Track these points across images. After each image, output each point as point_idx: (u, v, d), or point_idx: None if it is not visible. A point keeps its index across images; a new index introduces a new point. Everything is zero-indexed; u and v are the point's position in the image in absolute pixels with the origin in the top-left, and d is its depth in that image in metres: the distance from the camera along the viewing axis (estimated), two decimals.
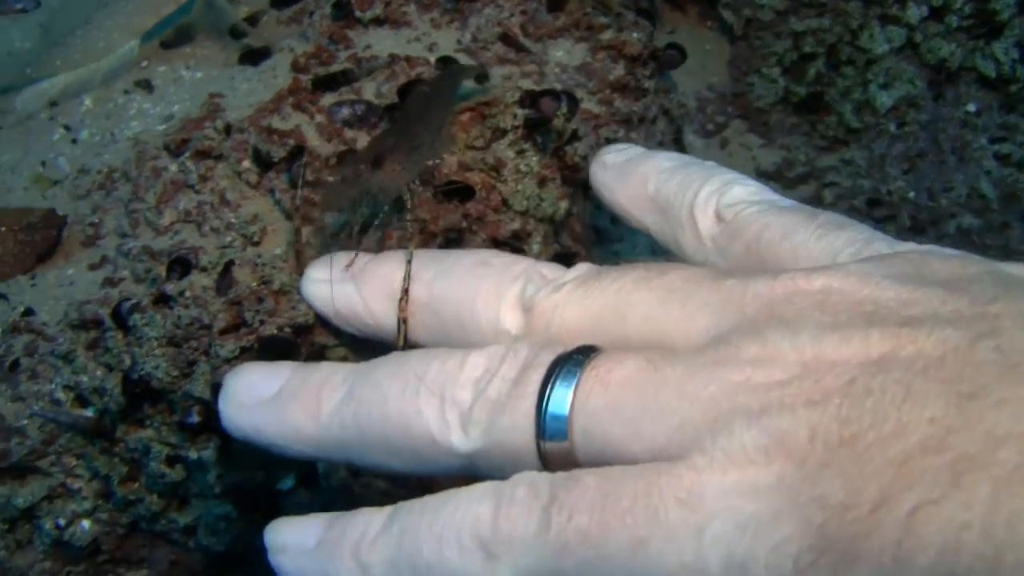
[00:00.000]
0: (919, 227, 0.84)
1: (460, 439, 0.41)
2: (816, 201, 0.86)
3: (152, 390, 0.56)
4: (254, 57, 0.70)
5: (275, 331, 0.55)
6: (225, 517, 0.60)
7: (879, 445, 0.33)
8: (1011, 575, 0.30)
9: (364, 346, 0.54)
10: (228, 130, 0.62)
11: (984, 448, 0.32)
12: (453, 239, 0.59)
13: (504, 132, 0.61)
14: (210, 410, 0.55)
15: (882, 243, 0.45)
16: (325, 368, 0.46)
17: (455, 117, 0.61)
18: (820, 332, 0.37)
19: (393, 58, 0.66)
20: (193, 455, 0.57)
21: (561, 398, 0.39)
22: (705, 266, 0.50)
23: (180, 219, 0.60)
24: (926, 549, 0.32)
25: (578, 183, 0.67)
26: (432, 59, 0.67)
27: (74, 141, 0.69)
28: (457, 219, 0.59)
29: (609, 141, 0.69)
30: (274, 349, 0.55)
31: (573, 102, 0.65)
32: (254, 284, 0.56)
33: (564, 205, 0.62)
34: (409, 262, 0.50)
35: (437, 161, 0.58)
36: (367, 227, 0.54)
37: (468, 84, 0.65)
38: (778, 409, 0.35)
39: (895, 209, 0.84)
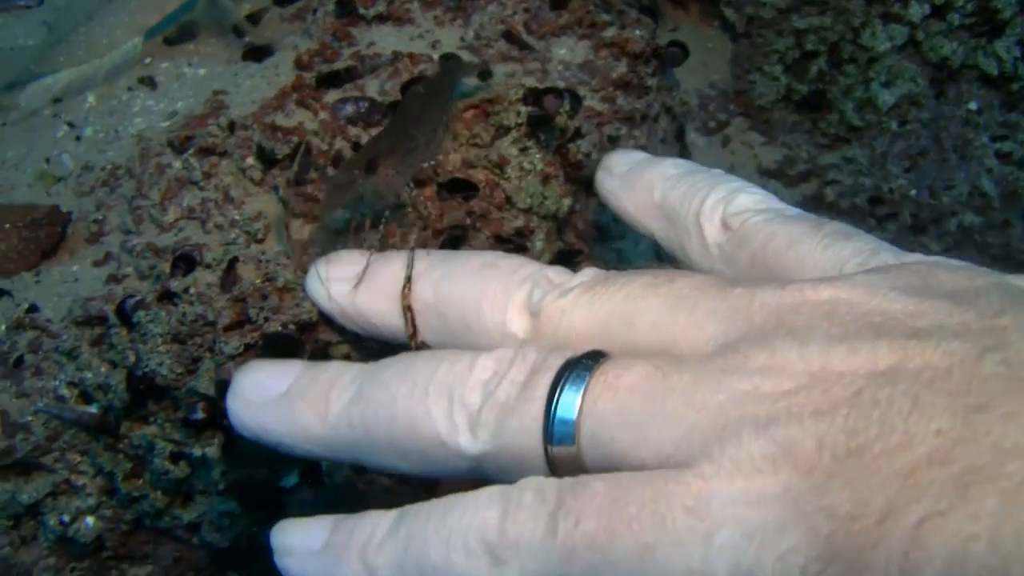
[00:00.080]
0: (920, 225, 0.84)
1: (468, 441, 0.41)
2: (818, 199, 0.86)
3: (156, 387, 0.56)
4: (257, 54, 0.70)
5: (279, 328, 0.55)
6: (229, 514, 0.60)
7: (886, 456, 0.33)
8: None
9: (368, 343, 0.54)
10: (232, 127, 0.62)
11: (991, 461, 0.32)
12: (457, 236, 0.59)
13: (508, 129, 0.61)
14: (214, 407, 0.56)
15: (888, 253, 0.45)
16: (333, 368, 0.46)
17: (452, 116, 0.61)
18: (828, 343, 0.37)
19: (396, 55, 0.67)
20: (197, 452, 0.57)
21: (570, 403, 0.39)
22: (711, 274, 0.50)
23: (184, 216, 0.60)
24: (933, 560, 0.32)
25: (581, 180, 0.67)
26: (435, 56, 0.67)
27: (78, 138, 0.69)
28: (461, 216, 0.59)
29: (612, 139, 0.69)
30: (278, 346, 0.55)
31: (576, 100, 0.65)
32: (258, 281, 0.56)
33: (567, 202, 0.63)
34: (412, 250, 0.50)
35: (432, 163, 0.58)
36: (366, 227, 0.54)
37: (470, 81, 0.65)
38: (785, 419, 0.35)
39: (896, 207, 0.85)
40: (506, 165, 0.61)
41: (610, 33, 0.71)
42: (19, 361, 0.59)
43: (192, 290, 0.56)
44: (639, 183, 0.56)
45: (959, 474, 0.32)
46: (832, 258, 0.46)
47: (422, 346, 0.49)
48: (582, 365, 0.40)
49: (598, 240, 0.71)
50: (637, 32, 0.72)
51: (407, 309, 0.49)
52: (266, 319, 0.55)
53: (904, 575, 0.32)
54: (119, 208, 0.63)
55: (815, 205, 0.86)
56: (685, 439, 0.37)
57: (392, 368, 0.44)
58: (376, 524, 0.41)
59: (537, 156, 0.61)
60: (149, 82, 0.71)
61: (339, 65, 0.66)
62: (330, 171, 0.59)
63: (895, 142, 0.84)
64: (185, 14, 0.74)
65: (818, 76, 0.84)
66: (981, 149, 0.83)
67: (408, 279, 0.49)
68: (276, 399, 0.46)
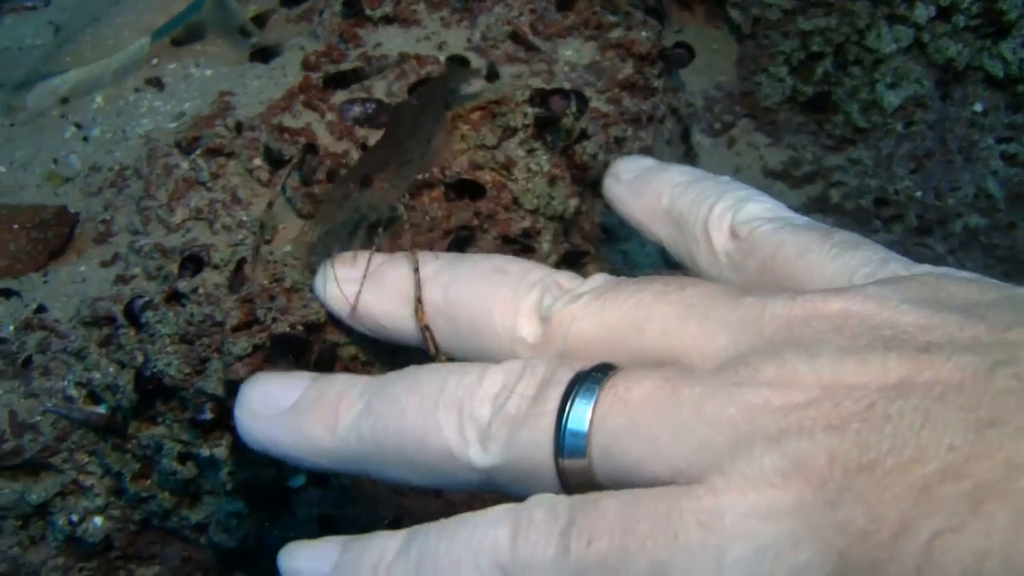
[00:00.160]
0: (926, 227, 0.84)
1: (478, 454, 0.41)
2: (823, 200, 0.86)
3: (164, 387, 0.56)
4: (264, 55, 0.70)
5: (287, 328, 0.55)
6: (236, 514, 0.61)
7: (898, 471, 0.33)
8: None
9: (376, 344, 0.54)
10: (239, 128, 0.62)
11: (1004, 476, 0.32)
12: (464, 237, 0.60)
13: (514, 131, 0.61)
14: (222, 407, 0.56)
15: (897, 263, 0.46)
16: (342, 380, 0.46)
17: (459, 117, 0.61)
18: (839, 355, 0.37)
19: (403, 57, 0.67)
20: (205, 452, 0.57)
21: (580, 416, 0.39)
22: (719, 281, 0.50)
23: (192, 216, 0.60)
24: None
25: (587, 182, 0.67)
26: (442, 58, 0.67)
27: (85, 139, 0.69)
28: (468, 217, 0.60)
29: (618, 140, 0.69)
30: (286, 346, 0.55)
31: (582, 101, 0.65)
32: (266, 281, 0.56)
33: (574, 203, 0.63)
34: (416, 271, 0.50)
35: (427, 174, 0.58)
36: (361, 239, 0.54)
37: (477, 83, 0.65)
38: (797, 432, 0.35)
39: (902, 208, 0.85)
40: (513, 166, 0.61)
41: (616, 34, 0.71)
42: (27, 361, 0.60)
43: (200, 291, 0.56)
44: (647, 190, 0.57)
45: (972, 490, 0.32)
46: (841, 268, 0.46)
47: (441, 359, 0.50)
48: (592, 378, 0.40)
49: (604, 241, 0.71)
50: (643, 33, 0.72)
51: (425, 328, 0.49)
52: (274, 320, 0.55)
53: None
54: (127, 209, 0.63)
55: (820, 206, 0.86)
56: (696, 453, 0.37)
57: (401, 381, 0.44)
58: (385, 545, 0.41)
59: (544, 157, 0.61)
60: (156, 83, 0.71)
61: (346, 66, 0.66)
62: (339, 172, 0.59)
63: (900, 144, 0.84)
64: (192, 15, 0.74)
65: (824, 77, 0.84)
66: (986, 151, 0.83)
67: (419, 300, 0.49)
68: (285, 412, 0.46)
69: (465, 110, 0.62)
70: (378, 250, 0.53)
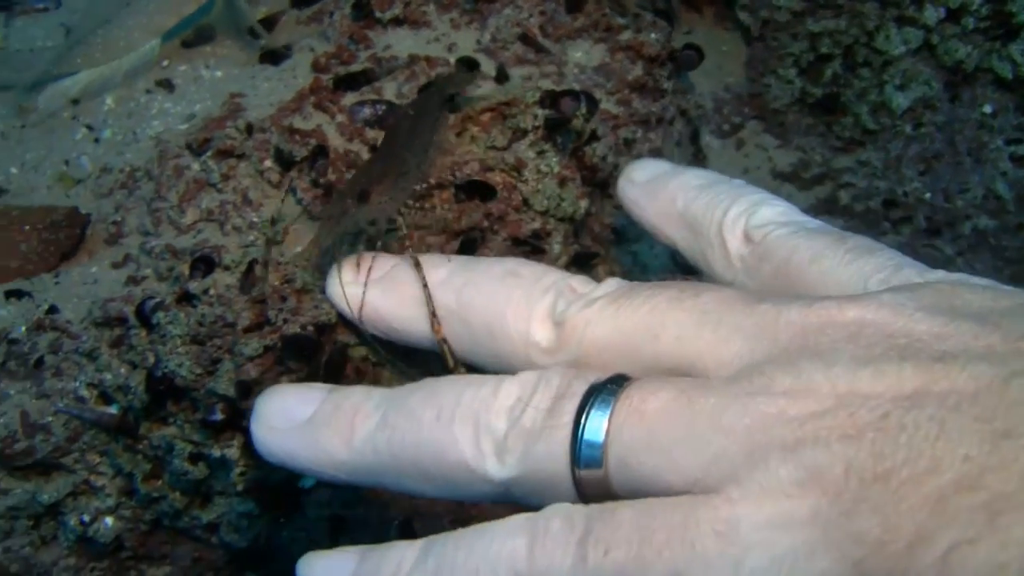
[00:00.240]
0: (935, 228, 0.84)
1: (495, 467, 0.41)
2: (832, 202, 0.86)
3: (176, 388, 0.57)
4: (274, 57, 0.70)
5: (298, 330, 0.55)
6: (247, 514, 0.61)
7: (913, 482, 0.34)
8: None
9: (386, 345, 0.55)
10: (250, 129, 0.62)
11: (1020, 488, 0.32)
12: (474, 238, 0.60)
13: (524, 132, 0.62)
14: (234, 407, 0.56)
15: (911, 270, 0.46)
16: (358, 393, 0.46)
17: (458, 126, 0.61)
18: (854, 365, 0.37)
19: (413, 58, 0.67)
20: (216, 453, 0.57)
21: (596, 427, 0.40)
22: (734, 286, 0.50)
23: (202, 218, 0.61)
24: None
25: (597, 183, 0.67)
26: (452, 59, 0.67)
27: (96, 140, 0.69)
28: (479, 218, 0.60)
29: (627, 141, 0.69)
30: (297, 347, 0.55)
31: (592, 102, 0.65)
32: (277, 283, 0.56)
33: (584, 205, 0.63)
34: (425, 287, 0.50)
35: (423, 185, 0.58)
36: (367, 249, 0.54)
37: (486, 85, 0.65)
38: (812, 442, 0.35)
39: (911, 210, 0.85)
40: (523, 168, 0.61)
41: (626, 36, 0.71)
42: (39, 362, 0.60)
43: (211, 292, 0.56)
44: (662, 193, 0.57)
45: (988, 501, 0.32)
46: (855, 273, 0.46)
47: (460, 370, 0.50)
48: (607, 390, 0.40)
49: (614, 243, 0.71)
50: (652, 35, 0.72)
51: (443, 341, 0.49)
52: (285, 321, 0.55)
53: None
54: (138, 210, 0.64)
55: (829, 208, 0.86)
56: (713, 464, 0.37)
57: (417, 394, 0.44)
58: (403, 556, 0.41)
59: (554, 159, 0.62)
60: (167, 84, 0.71)
61: (356, 68, 0.66)
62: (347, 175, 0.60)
63: (909, 145, 0.84)
64: (202, 17, 0.74)
65: (832, 79, 0.84)
66: (995, 152, 0.83)
67: (433, 314, 0.49)
68: (301, 426, 0.46)
69: (475, 112, 0.62)
70: (387, 251, 0.53)
